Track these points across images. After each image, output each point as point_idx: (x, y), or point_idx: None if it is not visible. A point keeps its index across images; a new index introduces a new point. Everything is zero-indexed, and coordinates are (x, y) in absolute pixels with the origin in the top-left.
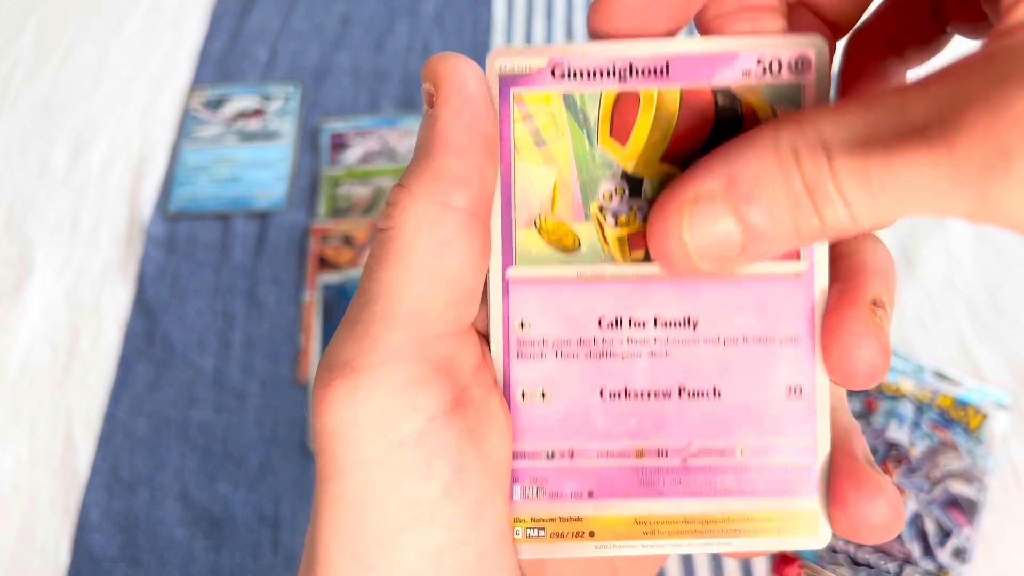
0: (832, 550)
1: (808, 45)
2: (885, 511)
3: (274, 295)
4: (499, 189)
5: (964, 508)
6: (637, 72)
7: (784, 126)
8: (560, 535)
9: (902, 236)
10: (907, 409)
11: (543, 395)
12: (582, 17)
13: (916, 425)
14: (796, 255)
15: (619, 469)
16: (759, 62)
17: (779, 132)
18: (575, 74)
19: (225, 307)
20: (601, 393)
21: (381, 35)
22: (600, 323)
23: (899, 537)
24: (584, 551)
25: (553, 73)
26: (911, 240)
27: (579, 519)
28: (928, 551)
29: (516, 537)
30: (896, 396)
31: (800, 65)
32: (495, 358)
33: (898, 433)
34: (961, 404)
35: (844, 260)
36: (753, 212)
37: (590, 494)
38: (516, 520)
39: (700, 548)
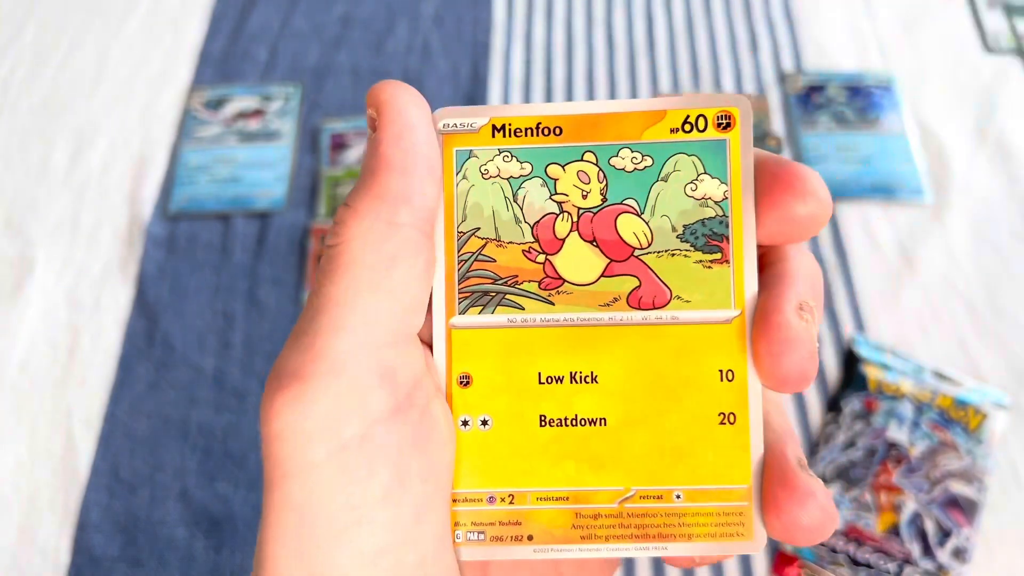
0: (832, 550)
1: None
2: (816, 514)
3: (274, 295)
4: (441, 241)
5: (964, 508)
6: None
7: None
8: (500, 539)
9: (902, 236)
10: (907, 409)
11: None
12: (582, 17)
13: (916, 425)
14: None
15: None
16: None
17: None
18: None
19: (225, 307)
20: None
21: (381, 35)
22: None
23: (899, 537)
24: (523, 554)
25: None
26: (911, 240)
27: (518, 523)
28: (928, 551)
29: (456, 540)
30: (896, 396)
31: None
32: (440, 376)
33: (898, 433)
34: (961, 404)
35: (772, 268)
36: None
37: (530, 538)
38: (456, 524)
39: (637, 552)
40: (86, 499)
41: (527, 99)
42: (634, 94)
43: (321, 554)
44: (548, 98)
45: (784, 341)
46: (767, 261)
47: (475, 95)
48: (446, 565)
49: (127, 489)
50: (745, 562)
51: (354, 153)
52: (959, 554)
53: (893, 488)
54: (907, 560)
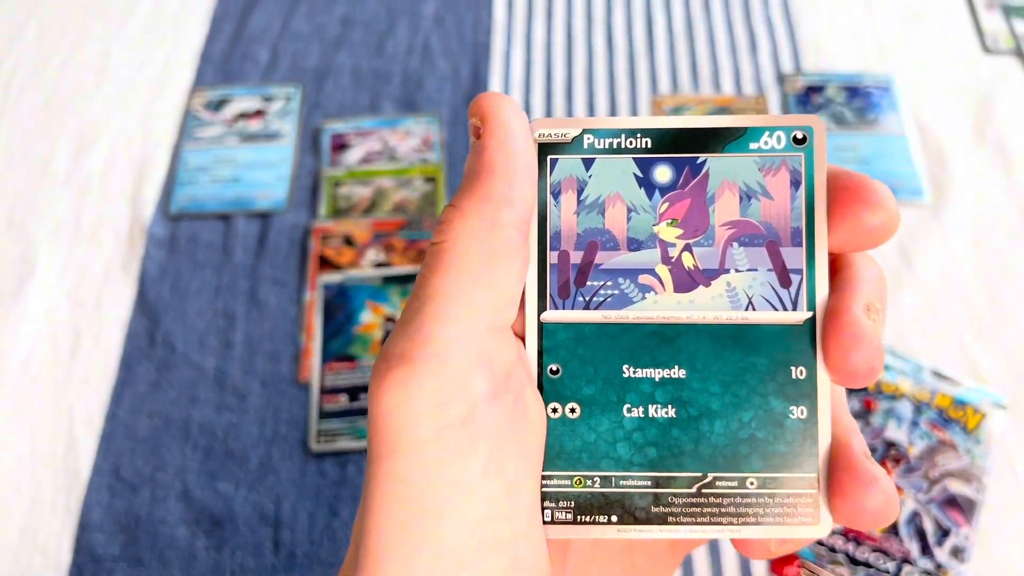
0: (831, 549)
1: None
2: (880, 498)
3: (275, 295)
4: (535, 241)
5: (962, 507)
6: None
7: None
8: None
9: (901, 236)
10: (906, 409)
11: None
12: (582, 18)
13: (915, 424)
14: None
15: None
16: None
17: None
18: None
19: (226, 307)
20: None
21: (382, 36)
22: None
23: (898, 536)
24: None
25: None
26: (910, 240)
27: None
28: (926, 550)
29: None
30: (895, 396)
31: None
32: (532, 366)
33: (897, 432)
34: (959, 404)
35: (841, 272)
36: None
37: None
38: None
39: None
40: (87, 498)
41: (527, 99)
42: (634, 94)
43: (425, 523)
44: (548, 98)
45: (853, 337)
46: (837, 266)
47: (475, 95)
48: (536, 540)
49: (128, 488)
50: (745, 561)
51: (354, 153)
52: (957, 553)
53: None
54: (906, 559)
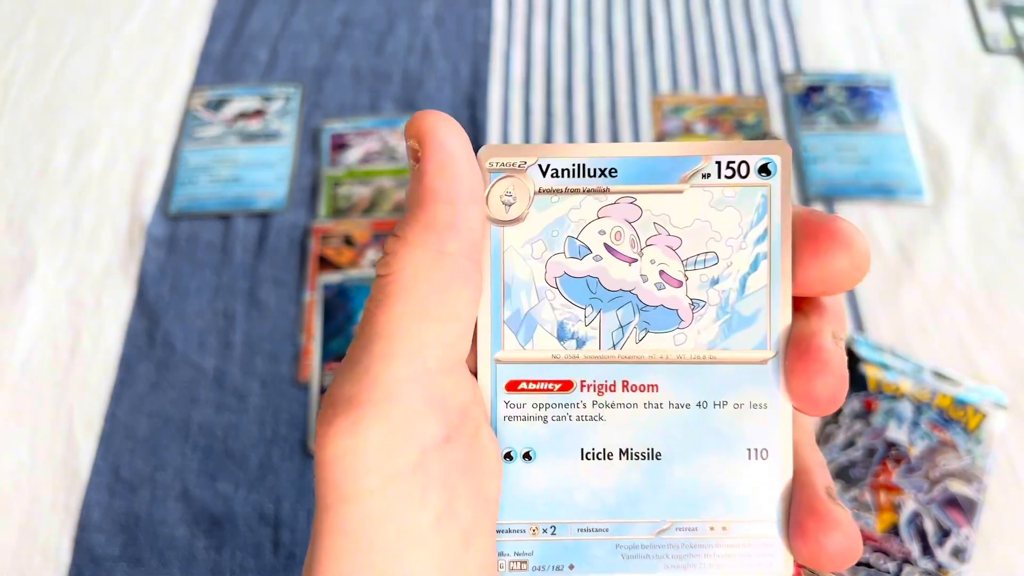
0: None
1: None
2: (842, 541)
3: (275, 295)
4: (488, 280)
5: (963, 508)
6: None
7: None
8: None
9: (901, 236)
10: (906, 409)
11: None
12: (582, 18)
13: (915, 425)
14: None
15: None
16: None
17: None
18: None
19: (226, 307)
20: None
21: (381, 36)
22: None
23: (898, 536)
24: None
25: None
26: (910, 240)
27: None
28: (927, 550)
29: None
30: (895, 396)
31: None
32: (487, 406)
33: (897, 433)
34: (960, 404)
35: (805, 301)
36: None
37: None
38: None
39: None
40: (87, 499)
41: (527, 99)
42: (634, 94)
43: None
44: (548, 98)
45: (821, 363)
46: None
47: (475, 96)
48: None
49: (128, 489)
50: None
51: (354, 153)
52: (958, 554)
53: (892, 488)
54: (906, 560)
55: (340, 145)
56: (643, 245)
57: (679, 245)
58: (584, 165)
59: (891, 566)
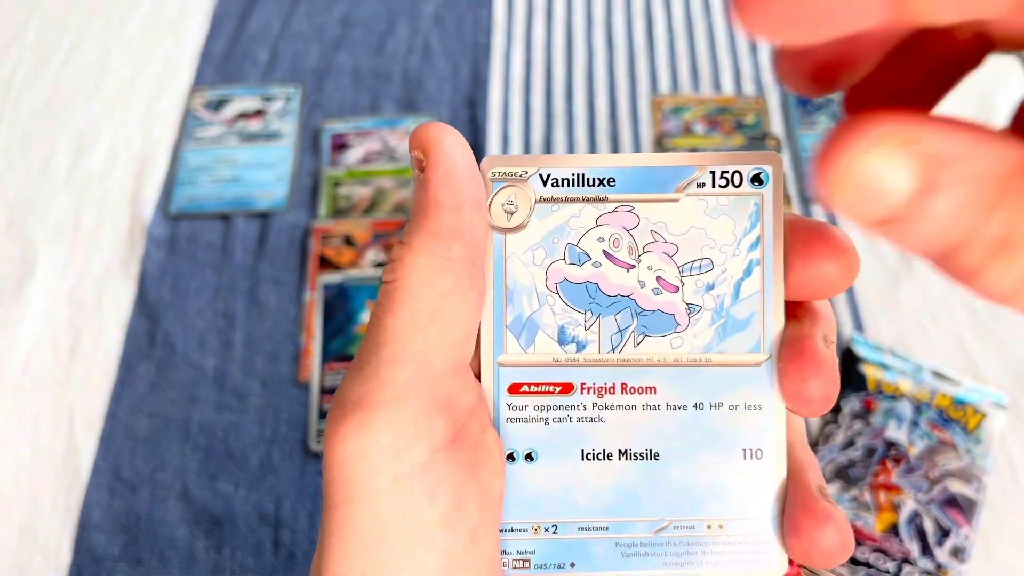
0: None
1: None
2: (834, 537)
3: (275, 295)
4: (491, 286)
5: (963, 507)
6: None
7: None
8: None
9: None
10: (906, 408)
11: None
12: (582, 18)
13: (915, 424)
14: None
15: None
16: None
17: None
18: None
19: (226, 307)
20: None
21: (381, 36)
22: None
23: (898, 536)
24: None
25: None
26: None
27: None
28: (927, 550)
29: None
30: (895, 395)
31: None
32: (490, 407)
33: (897, 432)
34: (959, 404)
35: (797, 305)
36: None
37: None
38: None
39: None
40: (87, 498)
41: (527, 99)
42: (634, 94)
43: (383, 574)
44: (548, 98)
45: (814, 364)
46: (793, 297)
47: (475, 96)
48: None
49: (128, 488)
50: None
51: (354, 153)
52: (958, 553)
53: (892, 487)
54: (906, 559)
55: (340, 145)
56: (640, 252)
57: (675, 252)
58: (583, 175)
59: (891, 566)
